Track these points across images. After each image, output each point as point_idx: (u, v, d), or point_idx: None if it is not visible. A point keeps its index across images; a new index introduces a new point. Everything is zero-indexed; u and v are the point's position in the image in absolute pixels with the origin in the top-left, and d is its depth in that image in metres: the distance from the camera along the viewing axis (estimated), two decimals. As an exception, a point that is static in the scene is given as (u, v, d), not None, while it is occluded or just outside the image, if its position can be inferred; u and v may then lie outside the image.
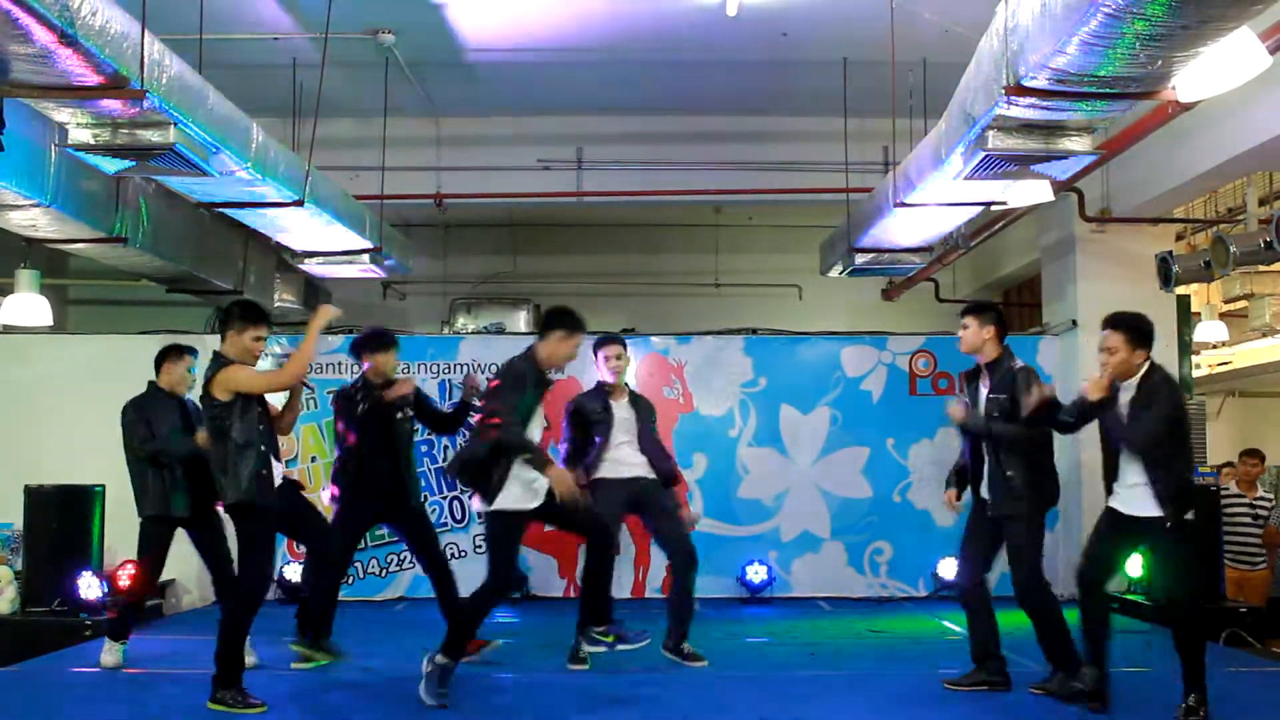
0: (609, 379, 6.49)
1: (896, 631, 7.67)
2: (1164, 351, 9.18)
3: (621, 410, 6.47)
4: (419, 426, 6.88)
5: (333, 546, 6.27)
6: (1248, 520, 8.62)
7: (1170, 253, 7.96)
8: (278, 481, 5.46)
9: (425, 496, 8.73)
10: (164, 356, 6.38)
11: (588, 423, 6.40)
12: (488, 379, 6.41)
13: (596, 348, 6.52)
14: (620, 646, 5.69)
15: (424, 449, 9.19)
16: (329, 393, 8.65)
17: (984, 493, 5.62)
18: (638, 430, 6.46)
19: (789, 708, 5.39)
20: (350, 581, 8.56)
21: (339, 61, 7.70)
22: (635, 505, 6.44)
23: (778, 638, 7.02)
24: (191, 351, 6.46)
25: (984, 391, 5.63)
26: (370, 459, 6.31)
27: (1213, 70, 4.72)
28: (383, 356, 6.46)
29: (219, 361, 5.34)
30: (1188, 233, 10.44)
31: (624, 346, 6.58)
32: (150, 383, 6.34)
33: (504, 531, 5.46)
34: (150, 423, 6.16)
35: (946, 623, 7.91)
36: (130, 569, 7.13)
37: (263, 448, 5.32)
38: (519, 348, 5.81)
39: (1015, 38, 4.58)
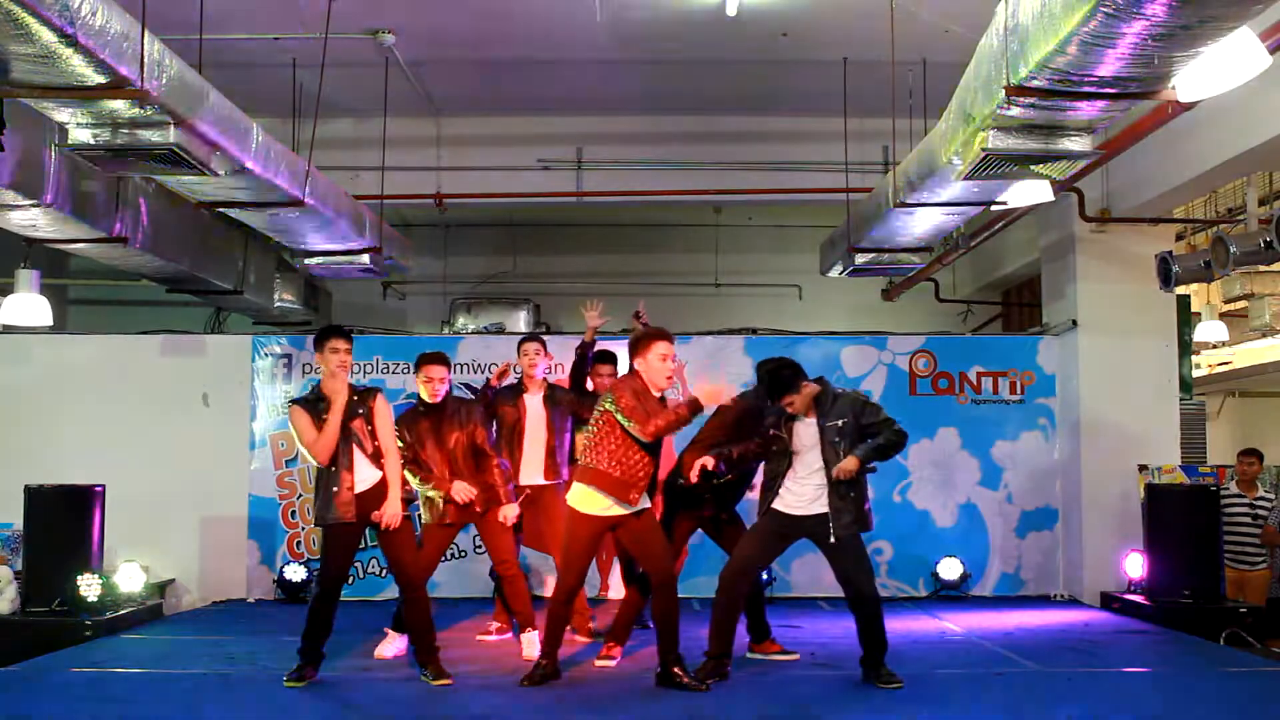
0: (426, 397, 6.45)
1: (896, 631, 7.64)
2: (1164, 351, 9.25)
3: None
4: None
5: None
6: (1248, 520, 8.62)
7: (1170, 253, 7.95)
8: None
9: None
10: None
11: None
12: None
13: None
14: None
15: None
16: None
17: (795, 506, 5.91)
18: None
19: (789, 708, 5.38)
20: (350, 581, 8.54)
21: (339, 61, 7.69)
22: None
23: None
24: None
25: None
26: None
27: (1213, 70, 4.72)
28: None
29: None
30: (1188, 233, 10.44)
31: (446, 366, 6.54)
32: None
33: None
34: None
35: (946, 623, 7.91)
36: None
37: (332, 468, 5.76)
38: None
39: (1015, 37, 4.58)
